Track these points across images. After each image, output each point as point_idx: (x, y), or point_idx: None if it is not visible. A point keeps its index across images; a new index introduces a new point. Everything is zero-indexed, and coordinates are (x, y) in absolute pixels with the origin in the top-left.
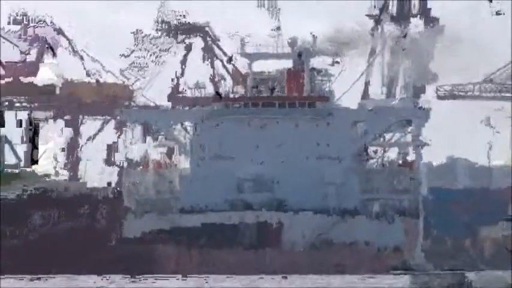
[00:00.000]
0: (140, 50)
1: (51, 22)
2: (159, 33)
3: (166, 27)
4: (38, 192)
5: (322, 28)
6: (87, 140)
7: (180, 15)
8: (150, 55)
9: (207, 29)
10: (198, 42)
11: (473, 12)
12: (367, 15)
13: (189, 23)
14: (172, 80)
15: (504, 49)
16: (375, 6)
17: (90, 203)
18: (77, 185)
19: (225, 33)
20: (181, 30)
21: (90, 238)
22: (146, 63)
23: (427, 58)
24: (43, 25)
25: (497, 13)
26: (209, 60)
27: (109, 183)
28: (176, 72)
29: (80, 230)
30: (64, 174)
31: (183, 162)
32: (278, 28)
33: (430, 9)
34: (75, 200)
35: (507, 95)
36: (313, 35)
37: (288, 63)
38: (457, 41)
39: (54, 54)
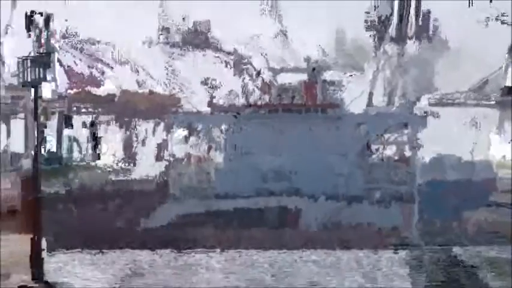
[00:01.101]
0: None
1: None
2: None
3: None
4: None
5: (329, 44)
6: (142, 139)
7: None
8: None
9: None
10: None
11: (465, 21)
12: (369, 26)
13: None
14: (209, 88)
15: (496, 58)
16: (375, 8)
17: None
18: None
19: (241, 45)
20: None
21: (138, 220)
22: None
23: (426, 73)
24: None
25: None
26: (239, 74)
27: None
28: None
29: (130, 212)
30: (122, 168)
31: (218, 157)
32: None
33: (427, 29)
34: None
35: (489, 102)
36: (323, 50)
37: (304, 76)
38: (453, 53)
39: (112, 69)
